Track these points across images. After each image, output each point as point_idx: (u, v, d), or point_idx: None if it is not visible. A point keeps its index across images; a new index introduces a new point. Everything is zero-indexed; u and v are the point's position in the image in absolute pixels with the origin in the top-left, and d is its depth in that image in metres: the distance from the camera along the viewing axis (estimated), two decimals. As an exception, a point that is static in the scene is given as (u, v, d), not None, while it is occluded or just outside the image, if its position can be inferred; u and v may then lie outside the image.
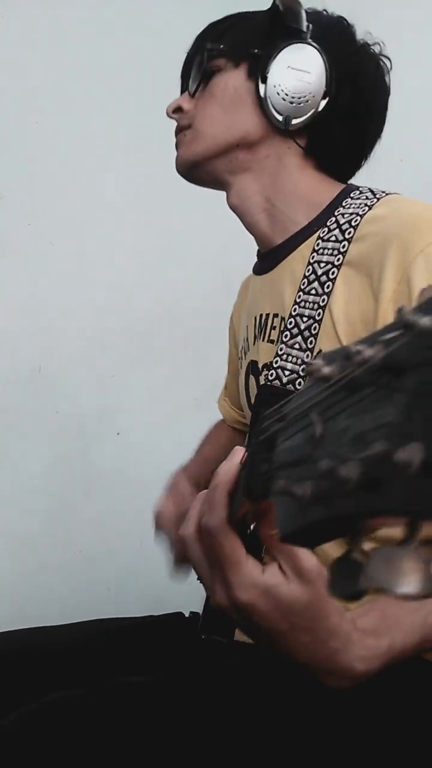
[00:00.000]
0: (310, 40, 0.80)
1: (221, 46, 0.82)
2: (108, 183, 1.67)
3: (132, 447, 1.69)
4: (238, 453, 0.46)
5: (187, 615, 0.96)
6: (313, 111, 0.80)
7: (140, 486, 1.62)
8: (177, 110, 0.86)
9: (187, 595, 1.00)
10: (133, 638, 0.90)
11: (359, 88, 0.82)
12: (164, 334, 1.71)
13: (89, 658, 0.84)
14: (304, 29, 0.80)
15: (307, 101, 0.80)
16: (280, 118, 0.80)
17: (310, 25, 0.81)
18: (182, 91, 0.89)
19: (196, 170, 0.86)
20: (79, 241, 1.67)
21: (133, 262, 1.69)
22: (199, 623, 0.88)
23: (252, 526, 0.47)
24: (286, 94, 0.80)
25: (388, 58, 0.87)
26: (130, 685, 0.67)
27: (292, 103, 0.80)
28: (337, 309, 0.73)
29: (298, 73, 0.80)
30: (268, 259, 0.86)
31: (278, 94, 0.79)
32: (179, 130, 0.86)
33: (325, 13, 0.86)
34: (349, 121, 0.83)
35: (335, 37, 0.83)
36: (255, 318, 0.87)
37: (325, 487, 0.28)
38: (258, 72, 0.80)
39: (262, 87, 0.80)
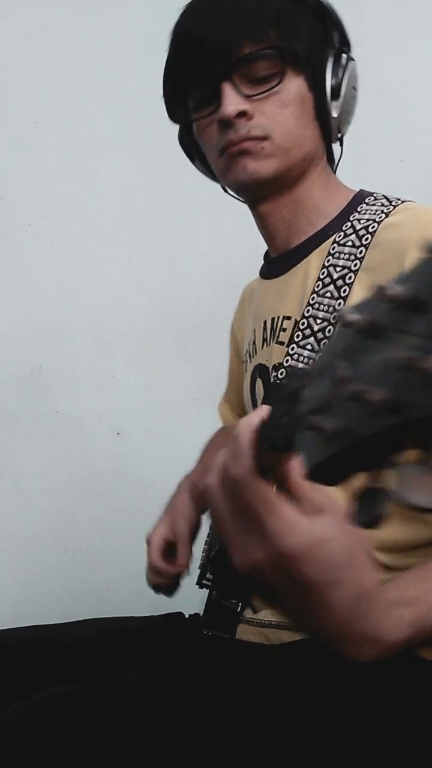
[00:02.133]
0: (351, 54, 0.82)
1: (294, 49, 0.77)
2: (108, 183, 1.67)
3: (132, 447, 1.69)
4: (262, 409, 0.45)
5: (186, 616, 0.96)
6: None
7: (140, 486, 1.62)
8: (242, 114, 0.76)
9: (187, 596, 1.00)
10: (133, 638, 0.90)
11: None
12: (164, 334, 1.71)
13: (88, 657, 0.84)
14: (348, 40, 0.82)
15: (352, 117, 0.84)
16: (339, 135, 0.83)
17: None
18: (189, 83, 0.80)
19: (267, 186, 0.81)
20: (79, 241, 1.67)
21: (133, 262, 1.69)
22: (199, 622, 0.88)
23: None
24: (348, 114, 0.83)
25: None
26: (128, 680, 0.67)
27: (348, 121, 0.84)
28: None
29: (355, 92, 0.83)
30: (281, 262, 0.86)
31: (345, 114, 0.81)
32: (250, 139, 0.77)
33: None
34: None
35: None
36: (265, 321, 0.87)
37: (350, 417, 0.29)
38: (322, 86, 0.79)
39: (334, 105, 0.79)
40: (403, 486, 0.28)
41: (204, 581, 0.96)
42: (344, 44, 0.83)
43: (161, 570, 0.95)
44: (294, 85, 0.78)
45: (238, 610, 0.83)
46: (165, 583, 0.96)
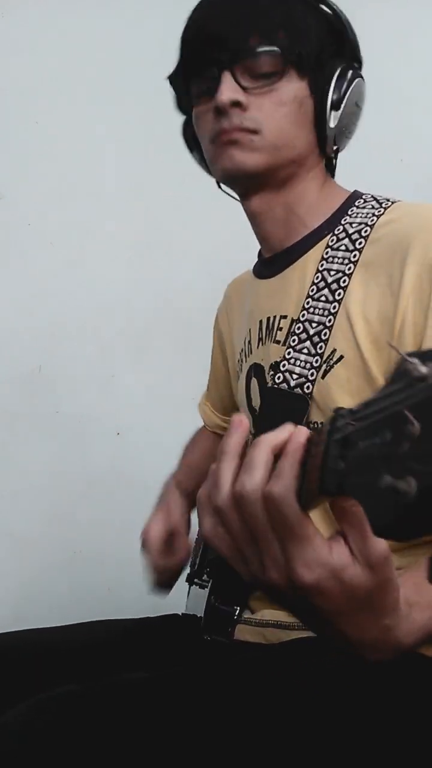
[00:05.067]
0: (360, 72, 0.83)
1: (298, 51, 0.77)
2: (108, 183, 1.67)
3: (132, 447, 1.69)
4: (303, 431, 0.45)
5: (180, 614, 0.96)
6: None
7: (140, 486, 1.62)
8: (236, 104, 0.77)
9: (185, 596, 1.00)
10: (133, 638, 0.90)
11: None
12: (164, 334, 1.71)
13: (89, 659, 0.84)
14: (360, 57, 0.83)
15: (351, 134, 0.84)
16: (334, 148, 0.83)
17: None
18: (196, 65, 0.80)
19: (249, 179, 0.81)
20: (79, 241, 1.67)
21: (133, 261, 1.69)
22: (195, 623, 0.88)
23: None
24: (347, 130, 0.83)
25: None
26: (129, 680, 0.67)
27: (346, 137, 0.84)
28: (354, 310, 0.73)
29: (358, 110, 0.84)
30: (276, 262, 0.86)
31: (343, 128, 0.82)
32: (241, 129, 0.77)
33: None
34: None
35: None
36: (260, 321, 0.87)
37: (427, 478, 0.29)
38: (325, 93, 0.79)
39: (333, 115, 0.80)
40: None
41: (196, 581, 0.96)
42: (355, 60, 0.84)
43: (162, 567, 0.95)
44: (294, 87, 0.78)
45: (235, 615, 0.83)
46: (168, 578, 0.97)
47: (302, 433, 0.44)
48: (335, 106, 0.79)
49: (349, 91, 0.80)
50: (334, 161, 0.88)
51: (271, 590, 0.47)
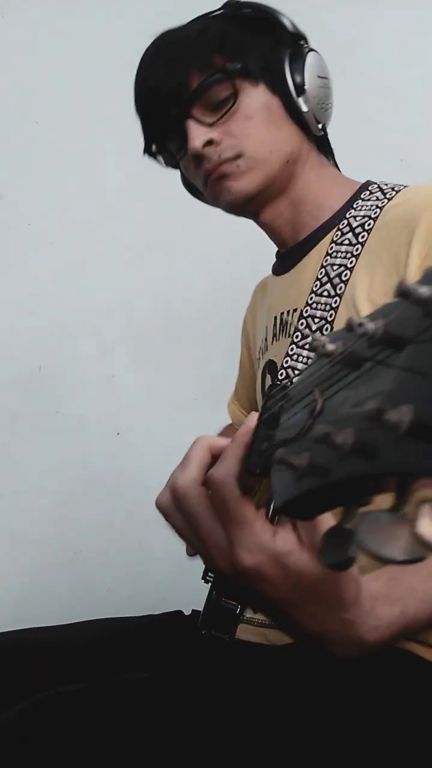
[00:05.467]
0: (310, 45, 0.82)
1: (239, 66, 0.77)
2: (108, 183, 1.67)
3: (132, 447, 1.69)
4: (253, 417, 0.44)
5: (187, 614, 0.96)
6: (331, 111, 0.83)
7: (140, 486, 1.62)
8: (208, 143, 0.78)
9: (186, 595, 1.00)
10: (133, 638, 0.90)
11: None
12: (164, 334, 1.71)
13: (89, 658, 0.84)
14: (302, 34, 0.82)
15: (331, 103, 0.83)
16: (319, 126, 0.82)
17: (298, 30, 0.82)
18: (159, 133, 0.84)
19: (254, 200, 0.82)
20: (79, 241, 1.67)
21: (133, 262, 1.69)
22: (198, 621, 0.88)
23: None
24: (323, 103, 0.82)
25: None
26: (130, 680, 0.67)
27: (325, 110, 0.83)
28: (360, 297, 0.73)
29: (324, 80, 0.82)
30: (288, 258, 0.87)
31: (317, 105, 0.81)
32: (223, 162, 0.78)
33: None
34: None
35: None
36: (275, 317, 0.88)
37: (320, 456, 0.28)
38: (285, 86, 0.79)
39: (301, 100, 0.79)
40: (370, 534, 0.26)
41: (208, 576, 0.96)
42: (298, 38, 0.83)
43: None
44: (254, 97, 0.78)
45: (237, 611, 0.83)
46: None
47: (253, 418, 0.44)
48: (299, 91, 0.79)
49: (305, 69, 0.80)
50: (325, 140, 0.87)
51: (223, 580, 0.47)
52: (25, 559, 1.66)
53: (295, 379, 0.38)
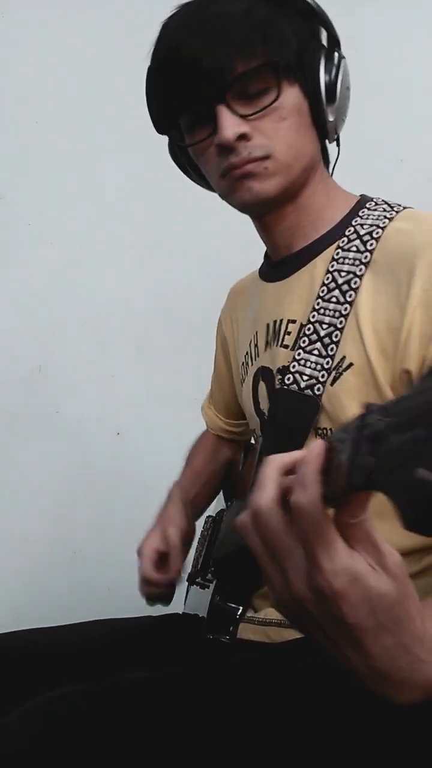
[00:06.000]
0: (342, 52, 0.78)
1: (284, 62, 0.73)
2: (108, 183, 1.67)
3: (132, 447, 1.69)
4: (318, 443, 0.44)
5: (182, 613, 0.96)
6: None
7: (140, 486, 1.62)
8: (241, 137, 0.74)
9: (185, 595, 1.00)
10: (134, 638, 0.90)
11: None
12: (164, 334, 1.71)
13: (89, 658, 0.84)
14: (338, 38, 0.79)
15: (346, 115, 0.81)
16: (335, 137, 0.81)
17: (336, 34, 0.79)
18: (180, 109, 0.78)
19: (271, 204, 0.79)
20: (79, 241, 1.67)
21: (133, 262, 1.69)
22: (196, 623, 0.89)
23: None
24: (344, 114, 0.80)
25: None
26: (131, 680, 0.67)
27: (344, 121, 0.81)
28: (363, 317, 0.73)
29: (348, 91, 0.79)
30: (284, 265, 0.85)
31: (340, 116, 0.79)
32: (252, 160, 0.75)
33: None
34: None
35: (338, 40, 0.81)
36: (267, 324, 0.86)
37: None
38: (317, 91, 0.76)
39: (330, 109, 0.77)
40: None
41: (198, 580, 0.96)
42: (334, 42, 0.80)
43: (154, 580, 0.93)
44: (290, 97, 0.75)
45: (239, 614, 0.83)
46: (159, 593, 0.95)
47: (319, 444, 0.44)
48: (331, 99, 0.76)
49: (339, 77, 0.77)
50: (325, 151, 0.85)
51: (296, 606, 0.45)
52: (25, 559, 1.66)
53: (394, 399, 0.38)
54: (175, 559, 0.94)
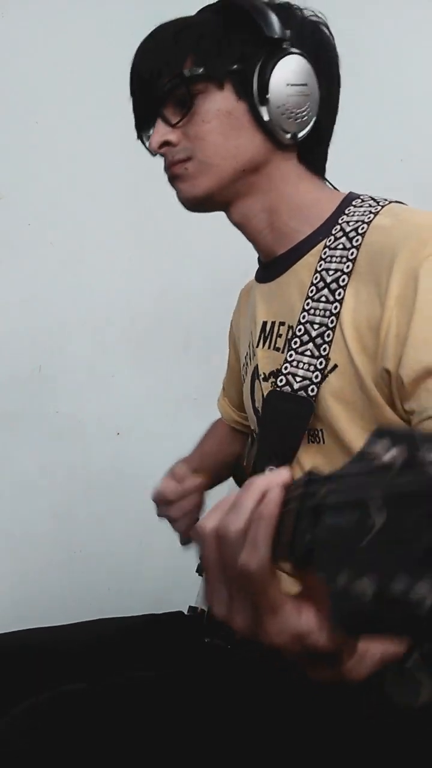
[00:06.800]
0: (294, 49, 0.77)
1: (201, 70, 0.76)
2: (108, 183, 1.67)
3: (132, 447, 1.69)
4: (278, 477, 0.43)
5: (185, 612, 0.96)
6: (314, 120, 0.79)
7: (140, 486, 1.62)
8: (164, 144, 0.80)
9: (187, 595, 1.00)
10: (134, 637, 0.90)
11: (338, 84, 0.83)
12: (164, 335, 1.71)
13: (90, 658, 0.84)
14: (285, 36, 0.76)
15: (309, 112, 0.79)
16: (288, 136, 0.78)
17: (288, 31, 0.77)
18: (141, 120, 0.84)
19: (205, 203, 0.83)
20: (79, 241, 1.67)
21: (133, 262, 1.69)
22: (198, 622, 0.89)
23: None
24: (292, 113, 0.78)
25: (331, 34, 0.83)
26: (131, 679, 0.67)
27: (297, 119, 0.78)
28: (345, 315, 0.73)
29: (297, 88, 0.78)
30: (272, 267, 0.85)
31: (283, 114, 0.77)
32: (175, 163, 0.80)
33: (294, 7, 0.81)
34: (332, 118, 0.84)
35: (312, 38, 0.80)
36: (260, 326, 0.87)
37: (392, 598, 0.28)
38: (250, 92, 0.77)
39: (263, 109, 0.77)
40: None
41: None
42: (280, 41, 0.77)
43: (170, 490, 0.97)
44: (215, 101, 0.77)
45: None
46: (179, 524, 0.98)
47: (277, 490, 0.43)
48: (261, 100, 0.77)
49: (271, 78, 0.76)
50: (309, 150, 0.83)
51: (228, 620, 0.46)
52: (25, 559, 1.66)
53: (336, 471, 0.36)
54: (189, 481, 0.99)
